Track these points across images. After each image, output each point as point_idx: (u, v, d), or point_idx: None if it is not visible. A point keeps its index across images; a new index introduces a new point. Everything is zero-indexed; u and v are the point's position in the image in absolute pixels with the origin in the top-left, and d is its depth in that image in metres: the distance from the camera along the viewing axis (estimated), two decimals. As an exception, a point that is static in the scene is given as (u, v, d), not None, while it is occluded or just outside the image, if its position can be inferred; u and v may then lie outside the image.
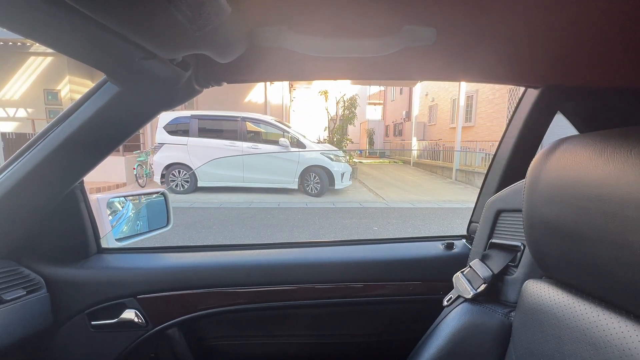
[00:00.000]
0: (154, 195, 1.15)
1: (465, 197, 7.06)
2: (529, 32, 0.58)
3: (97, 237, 0.90)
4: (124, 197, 1.13)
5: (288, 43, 0.59)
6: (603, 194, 0.39)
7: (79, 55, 0.52)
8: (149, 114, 0.71)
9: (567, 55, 0.66)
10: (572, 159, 0.44)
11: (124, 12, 0.38)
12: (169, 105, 0.70)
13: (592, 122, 0.86)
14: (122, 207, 1.13)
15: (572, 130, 0.89)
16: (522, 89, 0.88)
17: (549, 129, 0.87)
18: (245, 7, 0.50)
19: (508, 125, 0.92)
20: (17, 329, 0.70)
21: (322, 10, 0.53)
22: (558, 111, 0.85)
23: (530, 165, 0.52)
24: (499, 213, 0.76)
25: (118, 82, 0.64)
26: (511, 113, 0.92)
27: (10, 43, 8.07)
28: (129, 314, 0.85)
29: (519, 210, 0.59)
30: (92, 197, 0.90)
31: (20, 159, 0.71)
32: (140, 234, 1.06)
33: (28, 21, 0.42)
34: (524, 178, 0.54)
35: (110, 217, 1.02)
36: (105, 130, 0.70)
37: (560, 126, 0.91)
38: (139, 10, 0.37)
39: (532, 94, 0.83)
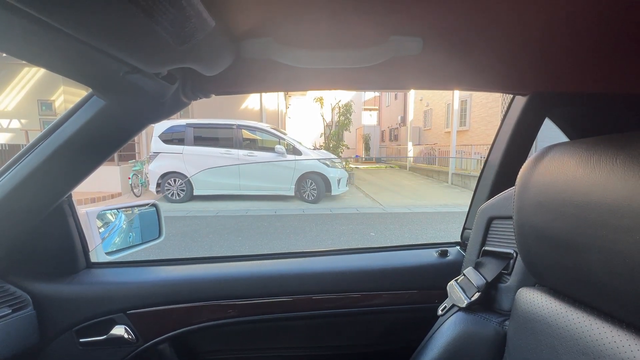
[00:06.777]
0: (145, 207, 1.13)
1: (461, 201, 7.07)
2: (514, 40, 0.58)
3: (86, 252, 0.88)
4: (116, 209, 1.11)
5: (275, 55, 0.59)
6: (590, 202, 0.39)
7: (63, 70, 0.51)
8: (136, 128, 0.71)
9: (553, 63, 0.67)
10: (559, 167, 0.44)
11: (105, 30, 0.37)
12: (156, 119, 0.69)
13: (580, 128, 0.87)
14: (114, 219, 1.11)
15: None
16: None
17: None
18: (230, 20, 0.50)
19: (498, 132, 0.93)
20: (2, 348, 0.68)
21: (308, 22, 0.53)
22: (547, 117, 0.86)
23: (520, 172, 0.52)
24: (491, 220, 0.76)
25: (104, 96, 0.63)
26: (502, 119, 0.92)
27: (3, 55, 8.03)
28: (119, 330, 0.83)
29: (511, 218, 0.59)
30: (81, 211, 0.89)
31: (5, 174, 0.70)
32: (132, 246, 1.04)
33: (10, 38, 0.41)
34: (514, 185, 0.54)
35: (102, 230, 1.00)
36: (92, 144, 0.70)
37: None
38: (120, 27, 0.37)
39: (521, 100, 0.84)
